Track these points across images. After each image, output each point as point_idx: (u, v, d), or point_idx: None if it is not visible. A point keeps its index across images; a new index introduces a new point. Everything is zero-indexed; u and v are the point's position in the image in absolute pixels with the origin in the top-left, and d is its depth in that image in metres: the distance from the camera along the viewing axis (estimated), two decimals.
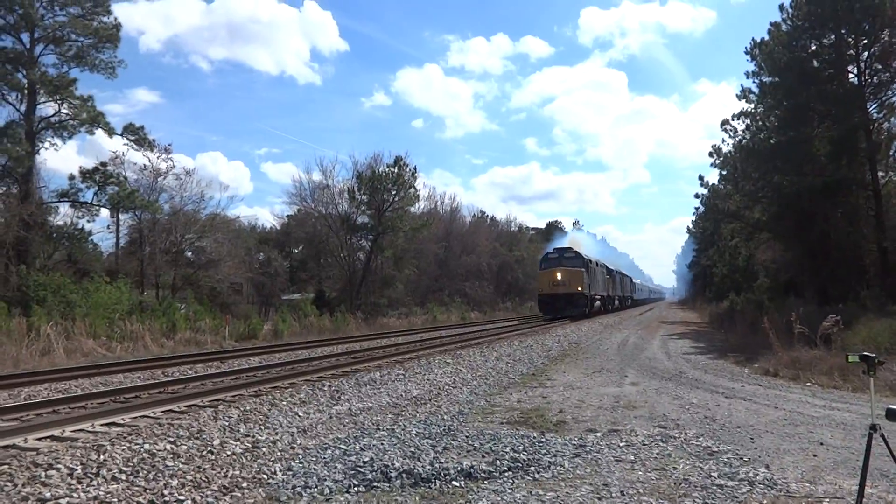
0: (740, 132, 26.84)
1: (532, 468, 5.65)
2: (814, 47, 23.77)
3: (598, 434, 7.08)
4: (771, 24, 24.36)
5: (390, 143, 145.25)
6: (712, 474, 5.45)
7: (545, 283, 37.79)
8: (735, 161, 27.05)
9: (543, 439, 6.75)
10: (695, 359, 15.89)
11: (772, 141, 24.69)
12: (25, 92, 25.52)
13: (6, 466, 5.31)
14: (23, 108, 25.65)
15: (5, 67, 25.03)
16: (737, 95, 26.58)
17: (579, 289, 36.76)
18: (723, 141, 27.72)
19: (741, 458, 6.02)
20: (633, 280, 79.86)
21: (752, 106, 26.30)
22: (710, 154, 28.42)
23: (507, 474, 5.49)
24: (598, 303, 41.83)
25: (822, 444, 6.66)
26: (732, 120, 26.94)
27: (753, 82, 25.39)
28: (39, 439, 6.47)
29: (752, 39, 24.78)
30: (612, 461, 5.93)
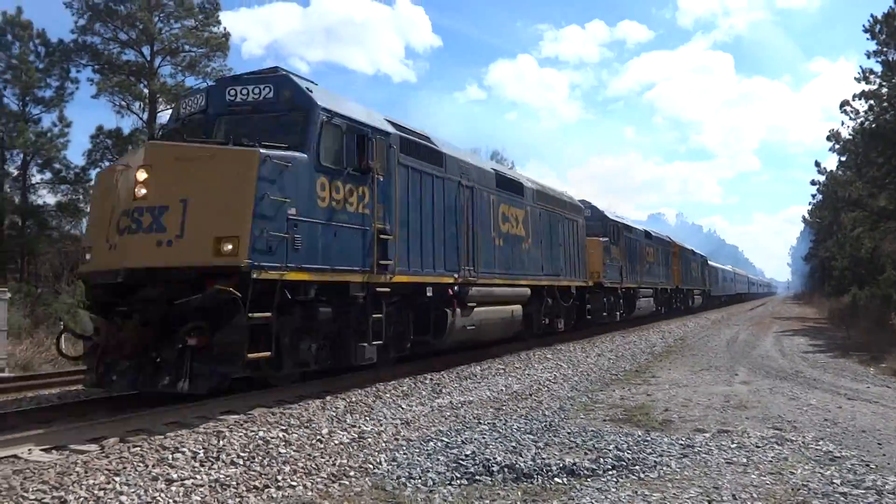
0: (862, 113, 24.89)
1: (637, 467, 5.52)
2: None
3: (707, 434, 6.82)
4: None
5: (485, 136, 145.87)
6: (834, 481, 5.13)
7: (98, 247, 7.93)
8: (857, 145, 25.13)
9: (648, 438, 6.58)
10: (813, 357, 14.95)
11: None
12: (147, 101, 27.51)
13: (138, 448, 5.76)
14: (145, 116, 27.66)
15: (129, 79, 27.09)
16: (855, 78, 24.65)
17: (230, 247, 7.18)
18: (842, 123, 25.81)
19: (867, 465, 5.62)
20: (710, 263, 47.19)
21: (875, 86, 24.34)
22: (828, 138, 26.59)
23: (610, 473, 5.39)
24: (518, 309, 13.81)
25: None
26: (853, 100, 24.97)
27: (876, 61, 23.49)
28: (166, 424, 6.95)
29: (872, 16, 22.89)
30: (722, 463, 5.70)
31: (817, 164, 29.09)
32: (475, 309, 12.03)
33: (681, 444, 6.31)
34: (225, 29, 28.82)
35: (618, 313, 21.76)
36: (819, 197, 33.87)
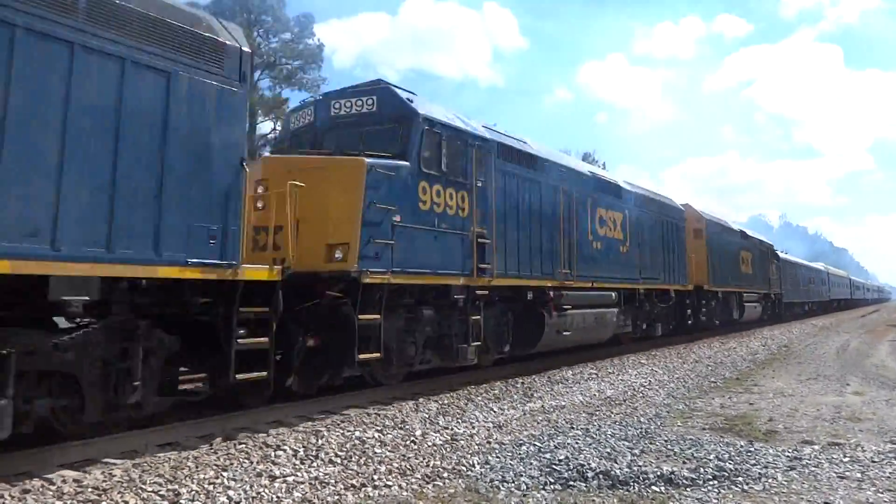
0: None
1: (740, 479, 5.29)
2: None
3: (816, 447, 6.45)
4: None
5: (573, 138, 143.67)
6: None
7: None
8: None
9: (752, 448, 6.29)
10: None
11: None
12: (247, 114, 28.98)
13: (244, 446, 6.06)
14: (245, 127, 29.15)
15: None
16: None
17: None
18: None
19: None
20: (784, 255, 37.03)
21: None
22: None
23: (711, 483, 5.20)
24: None
25: None
26: None
27: None
28: (268, 423, 7.27)
29: None
30: (833, 477, 5.37)
31: None
32: None
33: (787, 456, 6.00)
34: (318, 40, 30.00)
35: (470, 350, 9.60)
36: None
